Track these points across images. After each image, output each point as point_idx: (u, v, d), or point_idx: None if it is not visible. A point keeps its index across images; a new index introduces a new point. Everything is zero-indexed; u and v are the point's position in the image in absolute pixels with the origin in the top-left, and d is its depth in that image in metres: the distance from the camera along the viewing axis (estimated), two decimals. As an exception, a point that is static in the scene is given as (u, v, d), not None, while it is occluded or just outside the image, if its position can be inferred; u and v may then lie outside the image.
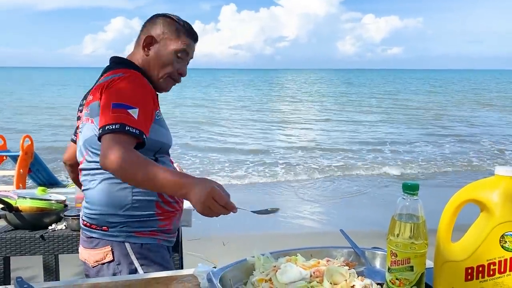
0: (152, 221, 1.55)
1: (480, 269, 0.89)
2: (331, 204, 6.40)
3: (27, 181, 5.94)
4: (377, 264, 1.30)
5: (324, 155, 10.03)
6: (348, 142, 11.79)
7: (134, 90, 1.44)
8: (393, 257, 0.97)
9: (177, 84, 1.69)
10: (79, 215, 2.36)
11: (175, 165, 1.91)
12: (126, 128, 1.34)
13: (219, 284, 1.11)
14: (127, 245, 1.52)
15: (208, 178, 1.31)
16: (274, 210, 1.31)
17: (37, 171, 6.24)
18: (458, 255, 0.92)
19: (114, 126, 1.34)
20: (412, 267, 0.95)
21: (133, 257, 1.52)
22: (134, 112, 1.38)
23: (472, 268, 0.90)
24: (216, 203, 1.20)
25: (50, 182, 6.46)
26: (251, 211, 1.30)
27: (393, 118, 17.61)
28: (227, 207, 1.21)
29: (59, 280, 2.77)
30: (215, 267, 1.29)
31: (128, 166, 1.29)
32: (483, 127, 15.13)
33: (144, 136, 1.37)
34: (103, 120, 1.36)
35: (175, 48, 1.58)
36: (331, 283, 1.10)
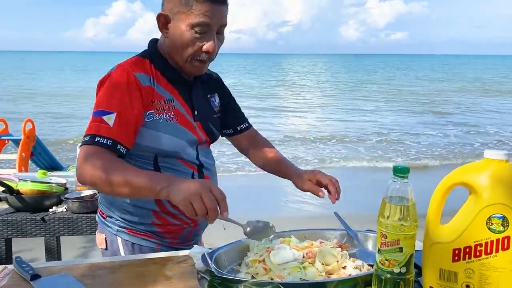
0: (149, 226, 1.46)
1: (467, 250, 0.91)
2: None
3: (29, 165, 5.98)
4: (370, 246, 1.32)
5: (323, 143, 9.94)
6: (347, 131, 11.70)
7: (112, 93, 1.31)
8: (383, 238, 0.99)
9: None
10: (79, 198, 2.40)
11: None
12: (96, 140, 1.24)
13: (213, 265, 1.14)
14: (119, 239, 1.48)
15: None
16: (268, 232, 1.21)
17: (39, 155, 6.28)
18: (446, 237, 0.94)
19: (85, 138, 1.26)
20: (401, 248, 0.97)
21: (122, 253, 1.48)
22: (110, 118, 1.27)
23: (459, 249, 0.92)
24: (208, 198, 1.06)
25: (52, 165, 6.51)
26: (245, 233, 1.20)
27: (396, 105, 17.52)
28: (221, 205, 1.08)
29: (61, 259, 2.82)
30: (210, 249, 1.32)
31: (99, 182, 1.20)
32: (488, 114, 15.06)
33: (119, 146, 1.27)
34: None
35: (189, 22, 1.31)
36: (323, 264, 1.12)
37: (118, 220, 1.48)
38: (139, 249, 1.47)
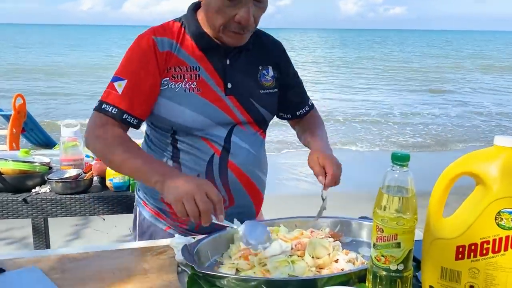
0: (158, 202, 1.37)
1: (473, 247, 0.82)
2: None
3: (21, 141, 5.87)
4: (364, 236, 1.23)
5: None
6: (346, 111, 11.32)
7: (129, 58, 1.26)
8: (379, 232, 0.90)
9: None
10: (64, 178, 2.30)
11: None
12: (103, 107, 1.22)
13: (195, 257, 1.05)
14: (137, 212, 1.44)
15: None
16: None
17: (31, 131, 6.16)
18: (449, 232, 0.85)
19: (96, 104, 1.25)
20: (399, 243, 0.88)
21: (136, 230, 1.43)
22: (120, 85, 1.22)
23: (463, 246, 0.82)
24: (201, 200, 1.02)
25: (45, 142, 6.40)
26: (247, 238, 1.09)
27: (393, 83, 17.20)
28: (216, 208, 1.04)
29: (49, 243, 2.75)
30: (194, 238, 1.23)
31: (101, 158, 1.26)
32: (488, 92, 14.85)
33: (126, 115, 1.21)
34: None
35: None
36: (313, 258, 1.03)
37: (140, 190, 1.45)
38: (149, 228, 1.39)
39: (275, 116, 1.46)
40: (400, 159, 0.89)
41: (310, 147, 1.38)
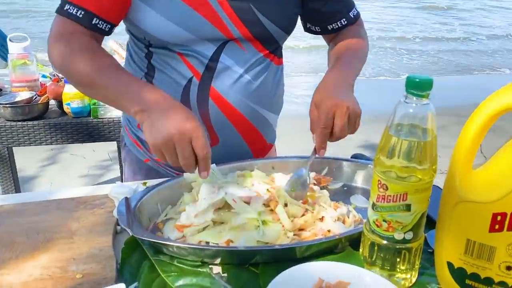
0: (136, 129, 1.14)
1: (516, 216, 0.57)
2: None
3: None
4: (359, 179, 0.98)
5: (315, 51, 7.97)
6: None
7: None
8: (381, 189, 0.64)
9: None
10: (14, 103, 1.99)
11: None
12: (66, 8, 0.92)
13: (137, 212, 0.80)
14: (124, 133, 1.21)
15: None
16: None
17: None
18: (483, 193, 0.59)
19: (58, 5, 0.95)
20: (409, 206, 0.63)
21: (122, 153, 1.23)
22: None
23: (503, 214, 0.57)
24: (183, 152, 0.77)
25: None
26: None
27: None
28: (200, 164, 0.78)
29: (15, 173, 2.49)
30: (145, 183, 0.98)
31: (65, 74, 0.95)
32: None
33: (95, 19, 0.92)
34: None
35: None
36: (291, 218, 0.78)
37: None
38: (130, 158, 1.18)
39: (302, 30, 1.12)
40: (418, 86, 0.60)
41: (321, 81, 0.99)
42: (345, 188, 0.97)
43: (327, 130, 0.86)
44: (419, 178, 0.62)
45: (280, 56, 1.11)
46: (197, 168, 0.79)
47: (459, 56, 7.89)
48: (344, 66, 1.00)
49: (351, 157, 1.05)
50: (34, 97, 2.01)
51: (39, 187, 3.12)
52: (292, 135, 3.73)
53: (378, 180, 0.64)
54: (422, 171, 0.62)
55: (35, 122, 1.93)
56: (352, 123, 0.87)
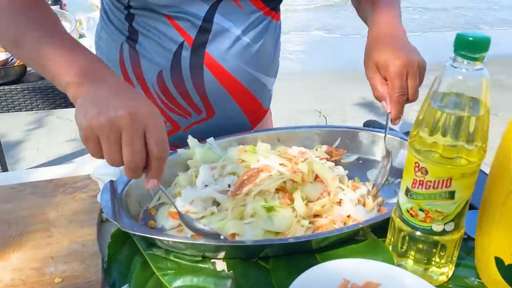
0: None
1: None
2: (315, 40, 5.81)
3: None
4: (377, 151, 0.87)
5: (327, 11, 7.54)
6: None
7: None
8: (419, 173, 0.53)
9: None
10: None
11: None
12: None
13: (123, 198, 0.69)
14: None
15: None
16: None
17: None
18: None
19: None
20: (453, 193, 0.52)
21: None
22: None
23: None
24: (130, 145, 0.54)
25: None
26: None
27: None
28: (152, 166, 0.56)
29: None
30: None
31: None
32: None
33: None
34: None
35: None
36: (306, 202, 0.67)
37: None
38: None
39: None
40: (471, 47, 0.48)
41: (369, 28, 0.84)
42: (360, 162, 0.86)
43: (405, 97, 0.73)
44: (467, 161, 0.50)
45: (277, 11, 0.96)
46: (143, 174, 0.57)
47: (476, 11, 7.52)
48: (391, 8, 0.84)
49: (363, 125, 0.94)
50: (9, 59, 1.84)
51: (24, 152, 2.99)
52: (287, 95, 3.60)
53: (416, 162, 0.53)
54: (471, 151, 0.50)
55: (12, 87, 1.78)
56: (421, 80, 0.75)
